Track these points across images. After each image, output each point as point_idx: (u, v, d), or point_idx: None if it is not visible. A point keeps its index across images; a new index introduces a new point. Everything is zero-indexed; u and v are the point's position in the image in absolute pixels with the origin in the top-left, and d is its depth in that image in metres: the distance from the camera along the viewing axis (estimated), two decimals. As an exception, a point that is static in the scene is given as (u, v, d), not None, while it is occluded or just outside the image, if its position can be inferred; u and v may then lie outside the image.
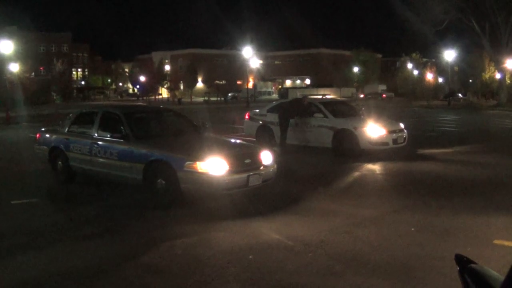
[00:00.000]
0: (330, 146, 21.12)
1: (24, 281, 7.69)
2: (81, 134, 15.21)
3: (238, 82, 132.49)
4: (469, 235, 9.73)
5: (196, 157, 12.02)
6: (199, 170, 11.79)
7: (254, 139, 23.27)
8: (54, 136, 16.22)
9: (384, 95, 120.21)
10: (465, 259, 3.13)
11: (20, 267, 8.30)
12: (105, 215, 11.87)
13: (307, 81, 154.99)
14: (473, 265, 3.06)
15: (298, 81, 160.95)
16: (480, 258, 6.93)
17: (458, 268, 3.13)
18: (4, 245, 9.62)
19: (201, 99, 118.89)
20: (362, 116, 22.70)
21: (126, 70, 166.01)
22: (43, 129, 17.65)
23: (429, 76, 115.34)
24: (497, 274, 2.90)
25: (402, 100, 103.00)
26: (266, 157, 13.32)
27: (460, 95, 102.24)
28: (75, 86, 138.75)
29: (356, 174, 17.27)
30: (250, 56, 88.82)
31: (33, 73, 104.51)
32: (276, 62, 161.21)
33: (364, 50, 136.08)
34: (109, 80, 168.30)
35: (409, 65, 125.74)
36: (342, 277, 7.65)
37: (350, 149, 20.36)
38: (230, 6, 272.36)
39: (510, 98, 76.27)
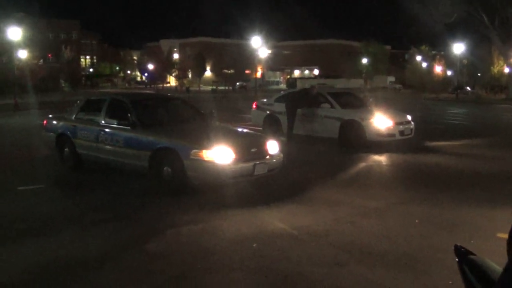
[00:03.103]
0: (336, 136, 21.12)
1: (31, 267, 7.73)
2: (88, 121, 15.23)
3: (247, 72, 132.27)
4: (473, 228, 9.74)
5: (203, 145, 12.05)
6: (206, 158, 11.82)
7: (261, 129, 23.28)
8: (61, 123, 16.25)
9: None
10: (463, 250, 3.16)
11: (27, 253, 8.34)
12: (111, 202, 11.90)
13: (316, 72, 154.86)
14: (472, 256, 3.08)
15: (306, 72, 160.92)
16: (483, 251, 6.97)
17: (457, 259, 3.15)
18: (11, 231, 9.66)
19: (209, 88, 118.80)
20: (369, 107, 22.69)
21: (135, 58, 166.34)
22: (50, 115, 17.67)
23: (438, 69, 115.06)
24: (496, 265, 2.92)
25: (411, 92, 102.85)
26: (273, 146, 13.35)
27: (468, 88, 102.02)
28: (83, 73, 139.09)
29: (362, 165, 17.29)
30: (259, 46, 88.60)
31: (41, 60, 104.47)
32: (285, 52, 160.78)
33: (373, 41, 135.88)
34: (117, 68, 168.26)
35: (418, 58, 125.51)
36: (346, 267, 7.68)
37: (357, 140, 20.35)
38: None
39: (519, 93, 76.09)
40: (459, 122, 37.42)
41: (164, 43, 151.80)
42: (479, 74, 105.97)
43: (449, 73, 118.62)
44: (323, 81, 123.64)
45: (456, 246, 3.20)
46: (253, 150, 12.79)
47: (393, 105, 32.37)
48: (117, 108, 14.63)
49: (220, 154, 11.87)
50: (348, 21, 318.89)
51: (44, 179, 14.59)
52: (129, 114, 13.87)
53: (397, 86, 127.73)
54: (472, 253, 3.12)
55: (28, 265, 7.82)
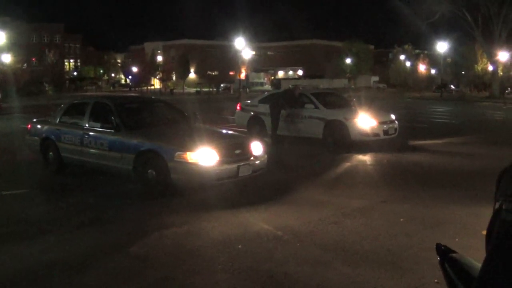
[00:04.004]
0: (321, 137, 21.14)
1: (14, 271, 7.72)
2: (72, 125, 15.21)
3: (231, 73, 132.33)
4: (457, 226, 9.78)
5: (187, 147, 12.07)
6: (189, 161, 11.84)
7: (246, 130, 23.27)
8: (45, 127, 16.22)
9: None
10: (443, 248, 3.16)
11: (11, 257, 8.33)
12: (96, 205, 11.87)
13: (300, 72, 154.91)
14: (453, 254, 3.09)
15: (290, 72, 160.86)
16: (468, 249, 6.99)
17: (438, 257, 3.16)
18: (-5, 235, 9.65)
19: (193, 90, 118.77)
20: (353, 107, 22.72)
21: (119, 60, 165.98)
22: (34, 119, 17.62)
23: (422, 68, 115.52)
24: (477, 263, 2.93)
25: (395, 91, 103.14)
26: (257, 147, 13.38)
27: (452, 86, 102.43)
28: (67, 77, 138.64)
29: (347, 165, 17.33)
30: (243, 47, 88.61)
31: (25, 64, 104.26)
32: (268, 53, 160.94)
33: (357, 41, 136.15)
34: (101, 71, 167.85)
35: (402, 57, 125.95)
36: (330, 267, 7.69)
37: (341, 140, 20.38)
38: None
39: (503, 90, 76.47)
40: (443, 121, 37.52)
41: (148, 46, 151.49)
42: (463, 72, 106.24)
43: (433, 71, 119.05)
44: (306, 82, 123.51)
45: (437, 245, 3.21)
46: (237, 151, 12.81)
47: (377, 105, 32.41)
48: (101, 112, 14.63)
49: (204, 156, 11.89)
50: (331, 21, 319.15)
51: (28, 183, 14.52)
52: (112, 117, 13.86)
53: (381, 85, 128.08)
54: (453, 251, 3.13)
55: (12, 268, 7.82)
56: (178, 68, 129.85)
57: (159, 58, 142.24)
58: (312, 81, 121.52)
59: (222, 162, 12.16)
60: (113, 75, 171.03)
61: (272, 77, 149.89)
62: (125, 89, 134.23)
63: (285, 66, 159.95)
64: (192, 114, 16.34)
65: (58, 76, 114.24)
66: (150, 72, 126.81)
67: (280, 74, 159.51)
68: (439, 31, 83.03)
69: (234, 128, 21.30)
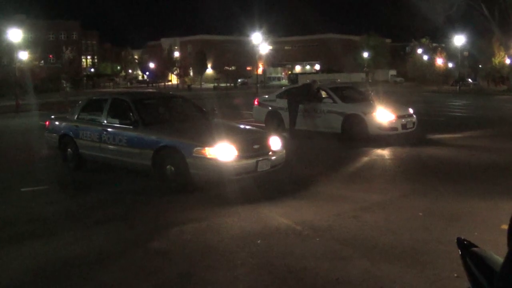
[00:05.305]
0: (339, 131, 21.13)
1: (33, 268, 7.76)
2: (91, 121, 15.25)
3: (248, 68, 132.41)
4: (476, 220, 9.74)
5: (205, 142, 12.07)
6: (208, 156, 11.83)
7: (264, 125, 23.28)
8: (63, 124, 16.26)
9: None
10: (466, 243, 3.15)
11: (29, 254, 8.37)
12: (114, 201, 11.93)
13: (317, 67, 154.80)
14: (474, 248, 3.08)
15: (308, 67, 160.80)
16: (487, 243, 6.97)
17: (460, 251, 3.15)
18: (14, 232, 9.68)
19: (211, 85, 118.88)
20: (371, 101, 22.67)
21: (136, 57, 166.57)
22: (52, 116, 17.66)
23: (439, 61, 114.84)
24: (499, 257, 2.92)
25: (412, 85, 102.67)
26: (275, 142, 13.35)
27: (470, 80, 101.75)
28: (84, 73, 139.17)
29: (365, 159, 17.29)
30: (259, 42, 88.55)
31: (42, 61, 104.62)
32: (285, 47, 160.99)
33: (373, 35, 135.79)
34: (118, 67, 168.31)
35: (419, 50, 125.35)
36: (349, 261, 7.68)
37: (359, 134, 20.36)
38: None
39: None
40: (461, 114, 37.37)
41: (164, 42, 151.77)
42: (480, 66, 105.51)
43: (450, 65, 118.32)
44: (324, 76, 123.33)
45: (458, 239, 3.21)
46: (255, 146, 12.80)
47: (395, 99, 32.32)
48: (119, 108, 14.64)
49: (222, 151, 11.88)
50: (348, 15, 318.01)
51: (47, 180, 14.60)
52: (131, 113, 13.87)
53: (399, 79, 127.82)
54: (474, 245, 3.12)
55: (31, 265, 7.86)
56: (195, 63, 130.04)
57: (176, 54, 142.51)
58: (329, 76, 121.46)
59: (241, 157, 12.15)
60: (130, 71, 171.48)
61: (289, 72, 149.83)
62: (143, 85, 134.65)
63: (302, 60, 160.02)
64: (210, 109, 16.36)
65: (75, 73, 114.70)
66: (168, 68, 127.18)
67: (297, 68, 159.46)
68: (456, 24, 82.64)
69: (252, 123, 21.29)
